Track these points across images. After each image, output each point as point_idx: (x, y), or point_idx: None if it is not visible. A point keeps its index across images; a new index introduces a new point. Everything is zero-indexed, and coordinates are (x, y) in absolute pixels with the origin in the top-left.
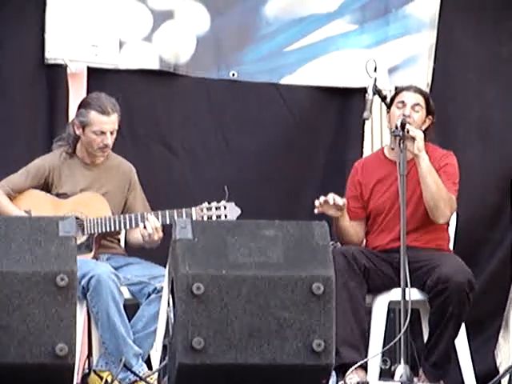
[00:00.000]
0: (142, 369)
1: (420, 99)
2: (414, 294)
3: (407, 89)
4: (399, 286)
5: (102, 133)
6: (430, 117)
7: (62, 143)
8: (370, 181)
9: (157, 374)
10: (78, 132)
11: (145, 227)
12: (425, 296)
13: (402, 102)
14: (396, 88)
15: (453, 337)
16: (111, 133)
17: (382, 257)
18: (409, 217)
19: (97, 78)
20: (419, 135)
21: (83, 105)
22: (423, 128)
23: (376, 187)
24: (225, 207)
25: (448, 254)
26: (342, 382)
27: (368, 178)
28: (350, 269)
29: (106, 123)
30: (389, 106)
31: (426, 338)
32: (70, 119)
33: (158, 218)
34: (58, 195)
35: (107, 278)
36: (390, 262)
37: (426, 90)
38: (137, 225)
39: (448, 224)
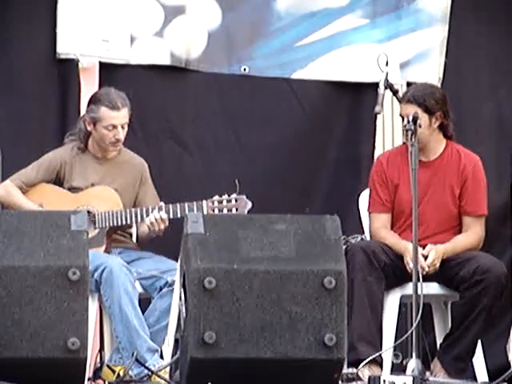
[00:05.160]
0: (157, 362)
1: (412, 110)
2: (428, 288)
3: (401, 100)
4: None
5: (114, 127)
6: (438, 113)
7: (74, 138)
8: (394, 177)
9: (168, 368)
10: (89, 128)
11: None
12: (444, 290)
13: (401, 115)
14: (407, 84)
15: (481, 331)
16: (122, 127)
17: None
18: (434, 220)
19: (108, 73)
20: (434, 258)
21: (93, 101)
22: (435, 126)
23: (401, 184)
24: (236, 200)
25: (477, 251)
26: (355, 375)
27: (393, 173)
28: (370, 265)
29: (116, 118)
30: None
31: (447, 330)
32: (82, 114)
33: (169, 212)
34: (70, 189)
35: (119, 269)
36: None
37: (438, 84)
38: None
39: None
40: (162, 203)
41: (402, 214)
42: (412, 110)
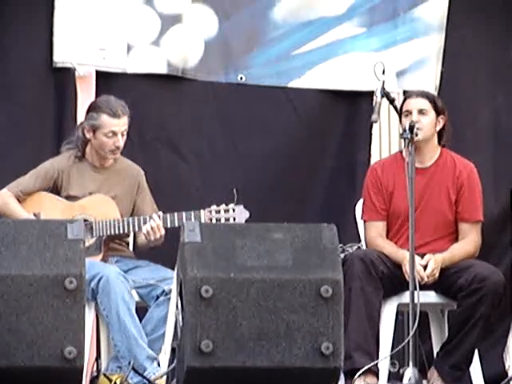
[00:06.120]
0: (156, 371)
1: (424, 103)
2: (425, 297)
3: (410, 96)
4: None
5: (114, 135)
6: (443, 116)
7: (71, 146)
8: (389, 184)
9: (165, 376)
10: (88, 136)
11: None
12: (441, 299)
13: (407, 110)
14: (404, 92)
15: (479, 339)
16: (122, 134)
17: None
18: (430, 226)
19: (105, 81)
20: (433, 268)
21: (93, 108)
22: (438, 129)
23: (396, 191)
24: (233, 210)
25: (475, 259)
26: None
27: (388, 181)
28: (368, 274)
29: (117, 125)
30: (400, 117)
31: (444, 338)
32: (79, 122)
33: (166, 221)
34: (67, 198)
35: (116, 278)
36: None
37: (434, 93)
38: None
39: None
40: (160, 212)
41: (397, 221)
42: (423, 102)
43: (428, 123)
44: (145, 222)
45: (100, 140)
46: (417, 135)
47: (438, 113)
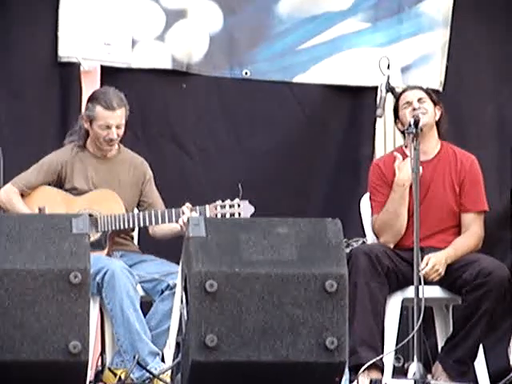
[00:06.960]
0: (158, 366)
1: (421, 93)
2: (429, 292)
3: (406, 89)
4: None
5: (107, 127)
6: (438, 107)
7: (74, 138)
8: (392, 179)
9: (170, 371)
10: (86, 126)
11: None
12: (445, 294)
13: (407, 101)
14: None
15: (483, 334)
16: (117, 127)
17: (402, 256)
18: (435, 219)
19: (109, 76)
20: (435, 263)
21: (91, 99)
22: (436, 119)
23: None
24: (238, 205)
25: (480, 254)
26: (356, 380)
27: (391, 176)
28: (373, 269)
29: (110, 118)
30: (395, 116)
31: (449, 333)
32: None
33: (171, 216)
34: (72, 190)
35: (121, 272)
36: (409, 261)
37: (439, 88)
38: (150, 222)
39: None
40: (188, 204)
41: None
42: (419, 93)
43: (430, 109)
44: (150, 218)
45: (95, 131)
46: (421, 130)
47: (434, 103)
